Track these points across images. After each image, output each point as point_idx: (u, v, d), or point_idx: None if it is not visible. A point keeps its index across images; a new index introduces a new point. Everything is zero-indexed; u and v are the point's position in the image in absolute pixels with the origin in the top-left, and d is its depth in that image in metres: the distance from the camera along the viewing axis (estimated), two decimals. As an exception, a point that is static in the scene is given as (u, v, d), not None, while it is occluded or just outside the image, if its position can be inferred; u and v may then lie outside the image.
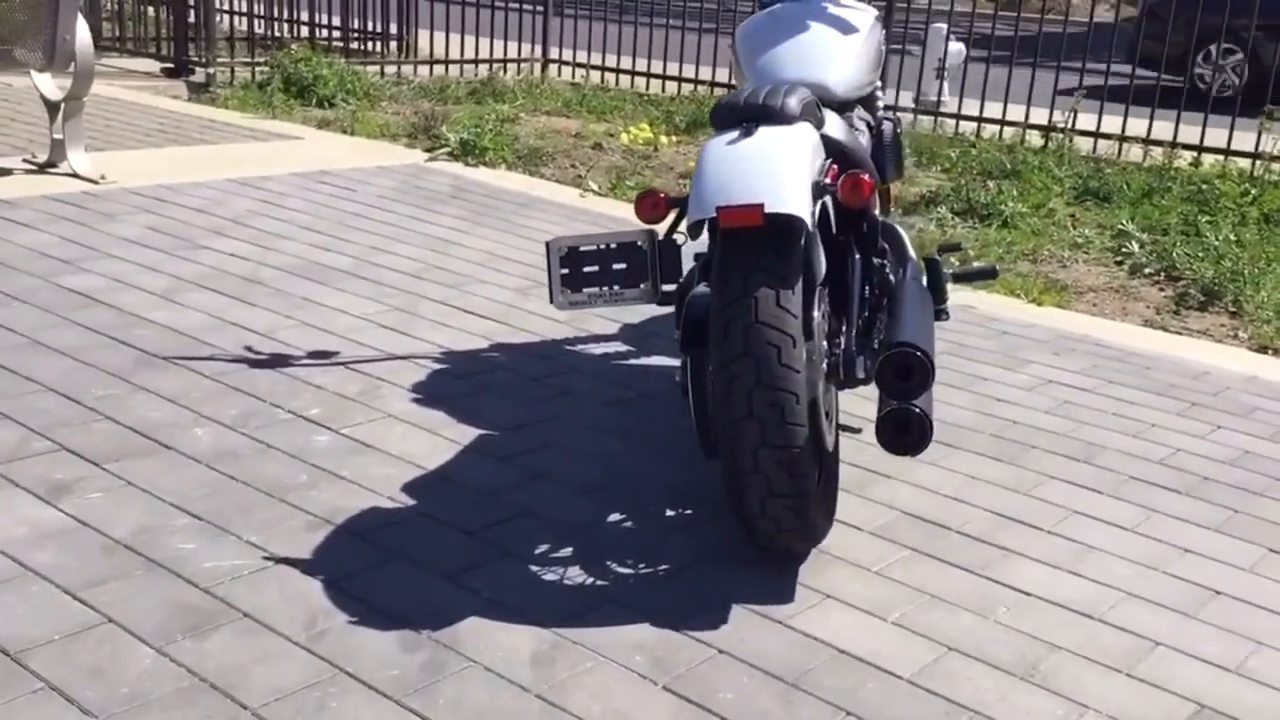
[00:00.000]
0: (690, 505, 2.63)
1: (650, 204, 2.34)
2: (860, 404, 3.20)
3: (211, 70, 8.04)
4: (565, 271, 2.35)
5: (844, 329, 2.54)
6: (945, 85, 8.74)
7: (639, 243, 2.34)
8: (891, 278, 2.81)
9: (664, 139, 6.94)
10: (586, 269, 2.34)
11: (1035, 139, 7.34)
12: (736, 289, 2.20)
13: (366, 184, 5.46)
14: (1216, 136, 6.93)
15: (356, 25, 9.48)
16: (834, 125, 2.61)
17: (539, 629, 2.12)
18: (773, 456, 2.19)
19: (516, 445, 2.87)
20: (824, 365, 2.42)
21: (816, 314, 2.38)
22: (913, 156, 7.00)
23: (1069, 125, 7.26)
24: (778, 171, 2.21)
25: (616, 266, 2.35)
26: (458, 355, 3.44)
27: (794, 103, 2.35)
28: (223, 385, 3.07)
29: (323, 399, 3.04)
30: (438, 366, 3.33)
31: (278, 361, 3.26)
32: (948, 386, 3.51)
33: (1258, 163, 6.68)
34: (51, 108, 5.26)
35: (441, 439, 2.87)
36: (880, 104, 3.49)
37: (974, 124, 7.65)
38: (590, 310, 3.47)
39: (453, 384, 3.22)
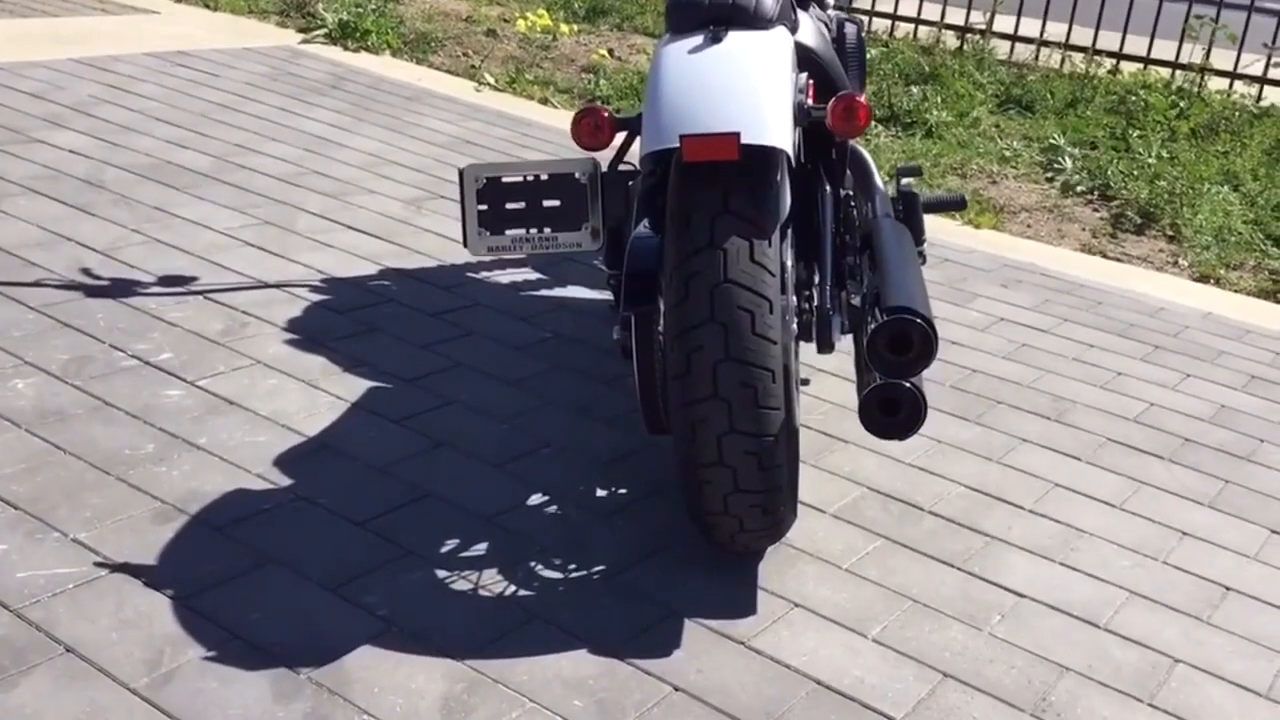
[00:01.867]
0: (623, 481, 2.22)
1: (591, 125, 1.87)
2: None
3: (54, -69, 7.17)
4: (483, 208, 1.88)
5: (815, 280, 2.12)
6: (856, -22, 8.27)
7: (577, 175, 1.88)
8: (855, 213, 2.41)
9: (563, 27, 6.37)
10: (510, 205, 1.88)
11: (951, 40, 6.96)
12: (700, 237, 1.76)
13: (232, 68, 4.83)
14: (1136, 44, 6.63)
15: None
16: (807, 29, 2.16)
17: (450, 661, 1.70)
18: (742, 446, 1.78)
19: (413, 403, 2.41)
20: (794, 326, 2.01)
21: (788, 263, 1.97)
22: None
23: (987, 27, 6.89)
24: (756, 91, 1.76)
25: (548, 204, 1.89)
26: (341, 283, 2.94)
27: (769, 2, 1.90)
28: (52, 320, 2.54)
29: (176, 339, 2.53)
30: (317, 298, 2.84)
31: (121, 289, 2.73)
32: (896, 326, 3.13)
33: (1184, 74, 6.39)
34: None
35: (323, 395, 2.39)
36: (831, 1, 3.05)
37: (887, 22, 7.24)
38: (514, 256, 2.96)
39: (335, 321, 2.73)
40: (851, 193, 2.47)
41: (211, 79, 4.64)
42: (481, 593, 1.85)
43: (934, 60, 6.38)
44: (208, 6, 6.05)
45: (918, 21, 7.15)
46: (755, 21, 1.88)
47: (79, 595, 1.73)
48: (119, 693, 1.55)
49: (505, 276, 3.11)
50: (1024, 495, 2.37)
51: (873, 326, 1.81)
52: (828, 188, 2.22)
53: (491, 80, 5.23)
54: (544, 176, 1.88)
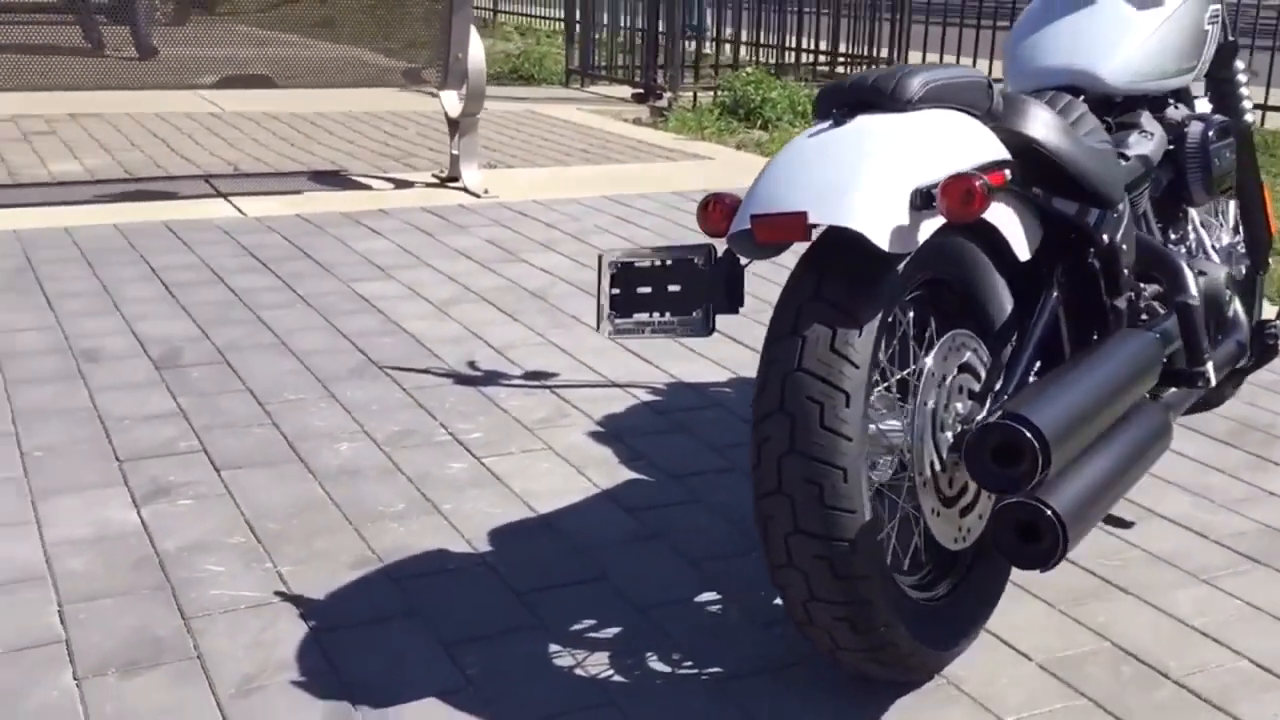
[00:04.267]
0: (817, 595, 2.07)
1: (718, 213, 1.85)
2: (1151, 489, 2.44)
3: (672, 94, 8.13)
4: (616, 292, 1.90)
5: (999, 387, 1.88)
6: None
7: (696, 260, 1.85)
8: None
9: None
10: (640, 290, 1.89)
11: None
12: (785, 323, 1.68)
13: (740, 204, 5.14)
14: None
15: (844, 49, 9.24)
16: (1040, 122, 1.94)
17: (495, 727, 1.71)
18: (809, 548, 1.63)
19: (662, 496, 2.43)
20: (946, 432, 1.81)
21: (932, 366, 1.78)
22: None
23: None
24: (845, 170, 1.64)
25: (671, 288, 1.87)
26: (683, 387, 3.04)
27: (916, 83, 1.76)
28: (410, 400, 2.90)
29: (496, 423, 2.77)
30: (651, 398, 2.96)
31: (488, 379, 3.04)
32: (1306, 478, 2.61)
33: None
34: (451, 124, 5.45)
35: (582, 480, 2.50)
36: (1242, 92, 2.69)
37: None
38: (642, 340, 2.79)
39: (650, 419, 2.83)
40: (1144, 302, 2.16)
41: (714, 212, 4.97)
42: (577, 672, 1.84)
43: None
44: (765, 154, 6.49)
45: None
46: (890, 104, 1.75)
47: (242, 615, 1.97)
48: (204, 697, 1.75)
49: (853, 393, 3.02)
50: (1329, 683, 1.88)
51: (972, 432, 1.59)
52: (1055, 293, 1.97)
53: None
54: (668, 262, 1.87)
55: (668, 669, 1.85)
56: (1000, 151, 1.85)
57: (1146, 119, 2.36)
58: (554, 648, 1.90)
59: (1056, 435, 1.58)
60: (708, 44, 9.69)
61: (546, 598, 2.05)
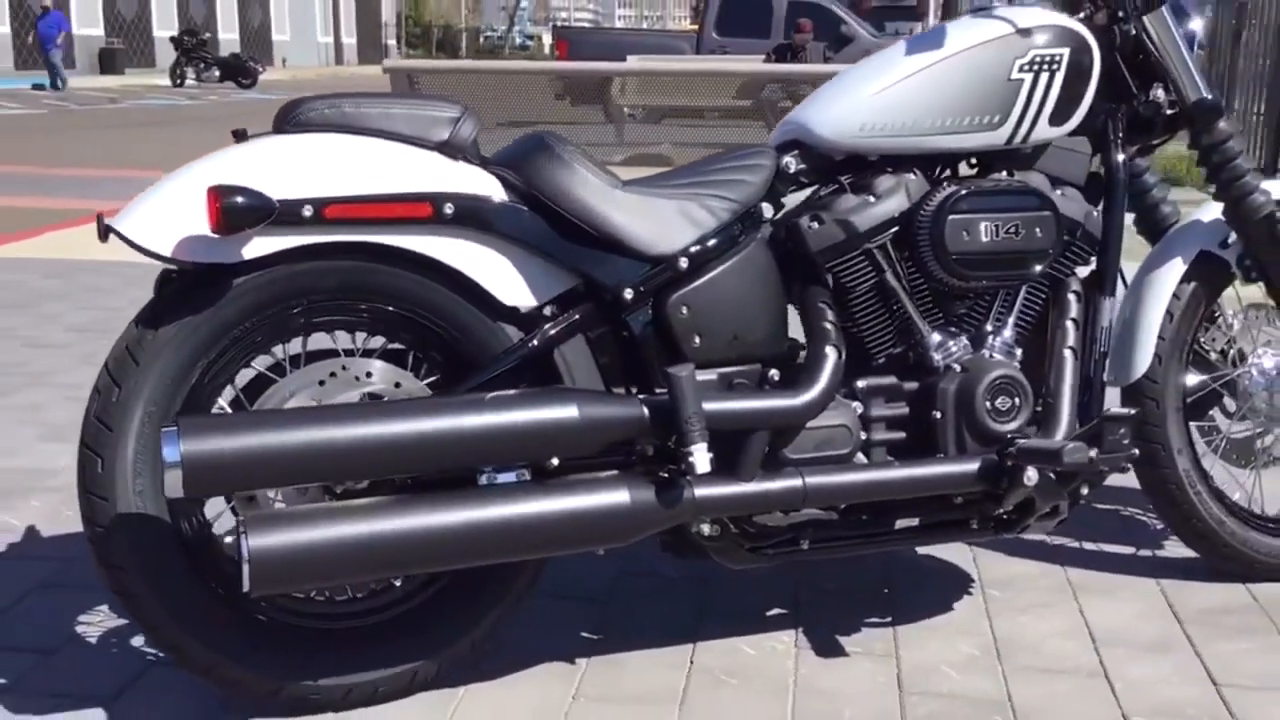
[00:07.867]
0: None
1: None
2: None
3: None
4: None
5: None
6: None
7: None
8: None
9: None
10: None
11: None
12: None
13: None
14: None
15: None
16: (535, 166, 1.86)
17: None
18: (85, 531, 1.79)
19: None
20: None
21: (288, 383, 1.84)
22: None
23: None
24: (169, 182, 1.75)
25: None
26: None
27: (306, 106, 1.82)
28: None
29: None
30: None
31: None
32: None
33: None
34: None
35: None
36: (1241, 165, 2.16)
37: None
38: None
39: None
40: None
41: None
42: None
43: None
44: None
45: None
46: (279, 125, 1.82)
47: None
48: None
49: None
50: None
51: None
52: (534, 341, 1.90)
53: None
54: None
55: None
56: (446, 184, 1.81)
57: (883, 181, 2.00)
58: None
59: (201, 458, 1.57)
60: None
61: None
